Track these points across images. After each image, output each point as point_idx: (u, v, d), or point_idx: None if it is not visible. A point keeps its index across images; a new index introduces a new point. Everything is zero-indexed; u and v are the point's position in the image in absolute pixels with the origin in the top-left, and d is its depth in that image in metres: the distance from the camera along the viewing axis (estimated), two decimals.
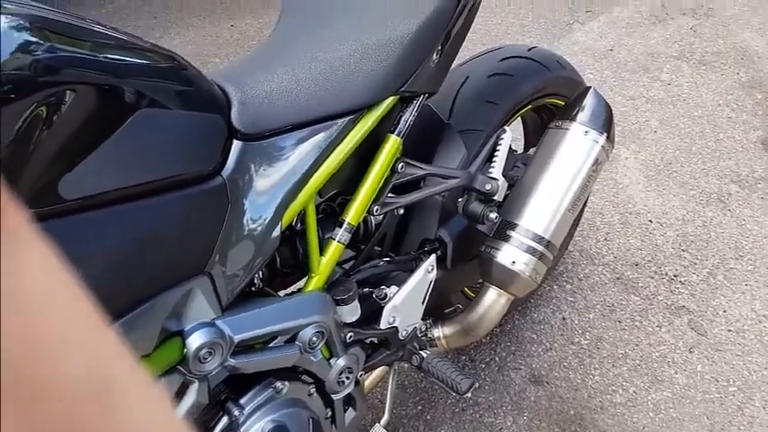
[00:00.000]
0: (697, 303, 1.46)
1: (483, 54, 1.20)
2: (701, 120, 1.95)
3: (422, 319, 1.09)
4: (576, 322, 1.49)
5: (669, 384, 1.34)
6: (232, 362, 0.78)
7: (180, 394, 0.75)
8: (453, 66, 1.07)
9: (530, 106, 1.21)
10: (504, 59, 1.17)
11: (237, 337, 0.77)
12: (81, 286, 0.21)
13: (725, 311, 1.43)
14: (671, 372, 1.35)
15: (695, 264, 1.55)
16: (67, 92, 0.54)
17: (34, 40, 0.52)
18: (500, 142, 1.02)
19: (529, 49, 1.21)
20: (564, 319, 1.51)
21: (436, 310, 1.15)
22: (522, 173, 1.08)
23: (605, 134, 1.07)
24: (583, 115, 1.07)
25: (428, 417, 1.36)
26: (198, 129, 0.72)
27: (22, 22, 0.53)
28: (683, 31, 2.37)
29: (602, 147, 1.07)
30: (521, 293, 1.07)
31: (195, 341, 0.73)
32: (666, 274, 1.54)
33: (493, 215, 1.02)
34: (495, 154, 1.01)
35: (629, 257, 1.60)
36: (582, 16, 2.61)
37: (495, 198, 1.01)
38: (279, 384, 0.85)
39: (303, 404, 0.88)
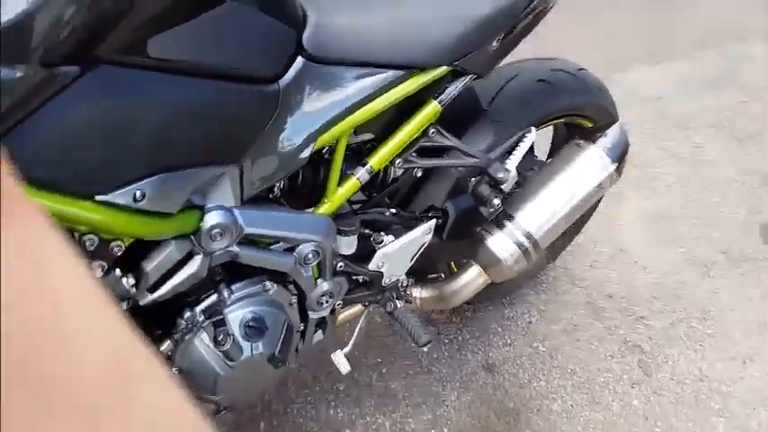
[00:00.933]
0: (651, 347, 1.56)
1: (538, 59, 1.27)
2: (713, 189, 2.03)
3: (405, 275, 1.18)
4: (540, 329, 1.59)
5: (604, 408, 1.43)
6: (236, 249, 0.86)
7: (182, 263, 0.83)
8: (508, 61, 1.15)
9: (563, 120, 1.29)
10: (554, 70, 1.24)
11: (247, 230, 0.86)
12: (97, 281, 0.22)
13: (674, 362, 1.53)
14: (609, 398, 1.45)
15: (662, 312, 1.64)
16: None
17: None
18: (523, 139, 1.10)
19: (579, 69, 1.29)
20: (530, 323, 1.60)
21: (420, 273, 1.24)
22: (533, 175, 1.16)
23: (616, 164, 1.16)
24: (604, 142, 1.16)
25: (383, 370, 1.46)
26: (272, 35, 0.80)
27: None
28: (733, 103, 2.42)
29: (610, 174, 1.16)
30: (497, 279, 1.16)
31: (212, 219, 0.81)
32: (633, 313, 1.63)
33: (496, 201, 1.10)
34: (516, 148, 1.10)
35: (606, 288, 1.69)
36: (645, 58, 2.66)
37: (502, 187, 1.09)
38: (268, 284, 0.94)
39: (283, 310, 0.97)
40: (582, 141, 1.18)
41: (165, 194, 0.73)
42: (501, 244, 1.10)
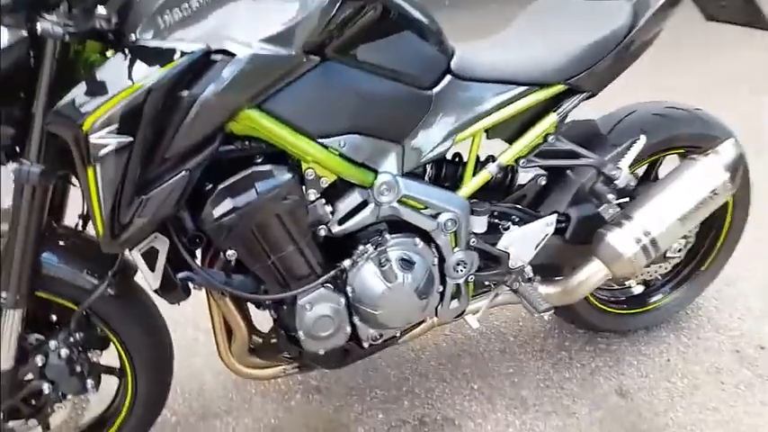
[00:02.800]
0: None
1: (656, 101, 1.50)
2: None
3: (534, 274, 1.39)
4: (680, 367, 1.60)
5: None
6: (396, 206, 1.20)
7: (360, 209, 1.19)
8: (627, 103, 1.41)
9: (681, 151, 1.46)
10: (669, 107, 1.46)
11: (404, 192, 1.20)
12: None
13: None
14: None
15: None
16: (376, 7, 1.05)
17: None
18: (634, 144, 1.31)
19: (696, 109, 1.48)
20: (668, 360, 1.62)
21: (548, 273, 1.43)
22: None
23: (728, 174, 1.31)
24: (716, 153, 1.33)
25: (515, 379, 1.59)
26: (430, 58, 1.19)
27: None
28: None
29: (723, 183, 1.31)
30: (618, 273, 1.32)
31: (382, 178, 1.17)
32: None
33: (611, 197, 1.30)
34: (628, 152, 1.31)
35: (757, 340, 1.65)
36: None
37: (616, 182, 1.29)
38: (417, 240, 1.25)
39: (426, 262, 1.25)
40: (697, 156, 1.36)
41: (356, 148, 1.12)
42: (620, 240, 1.29)
